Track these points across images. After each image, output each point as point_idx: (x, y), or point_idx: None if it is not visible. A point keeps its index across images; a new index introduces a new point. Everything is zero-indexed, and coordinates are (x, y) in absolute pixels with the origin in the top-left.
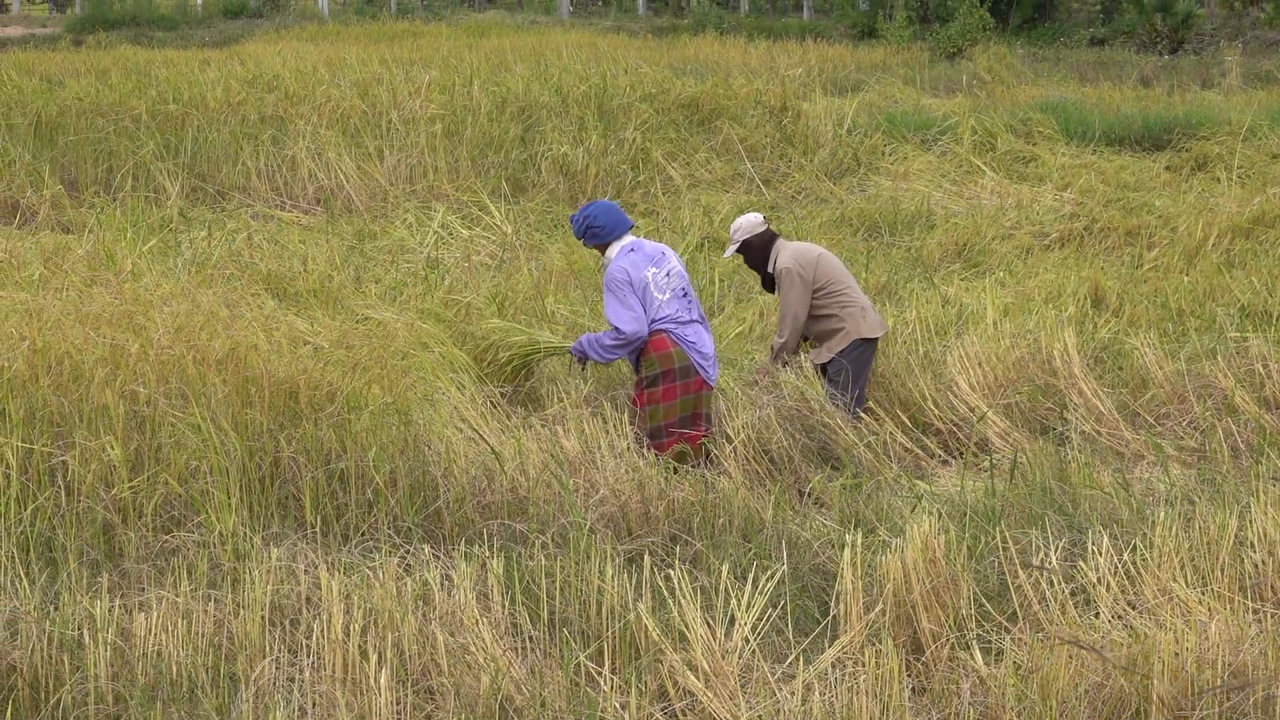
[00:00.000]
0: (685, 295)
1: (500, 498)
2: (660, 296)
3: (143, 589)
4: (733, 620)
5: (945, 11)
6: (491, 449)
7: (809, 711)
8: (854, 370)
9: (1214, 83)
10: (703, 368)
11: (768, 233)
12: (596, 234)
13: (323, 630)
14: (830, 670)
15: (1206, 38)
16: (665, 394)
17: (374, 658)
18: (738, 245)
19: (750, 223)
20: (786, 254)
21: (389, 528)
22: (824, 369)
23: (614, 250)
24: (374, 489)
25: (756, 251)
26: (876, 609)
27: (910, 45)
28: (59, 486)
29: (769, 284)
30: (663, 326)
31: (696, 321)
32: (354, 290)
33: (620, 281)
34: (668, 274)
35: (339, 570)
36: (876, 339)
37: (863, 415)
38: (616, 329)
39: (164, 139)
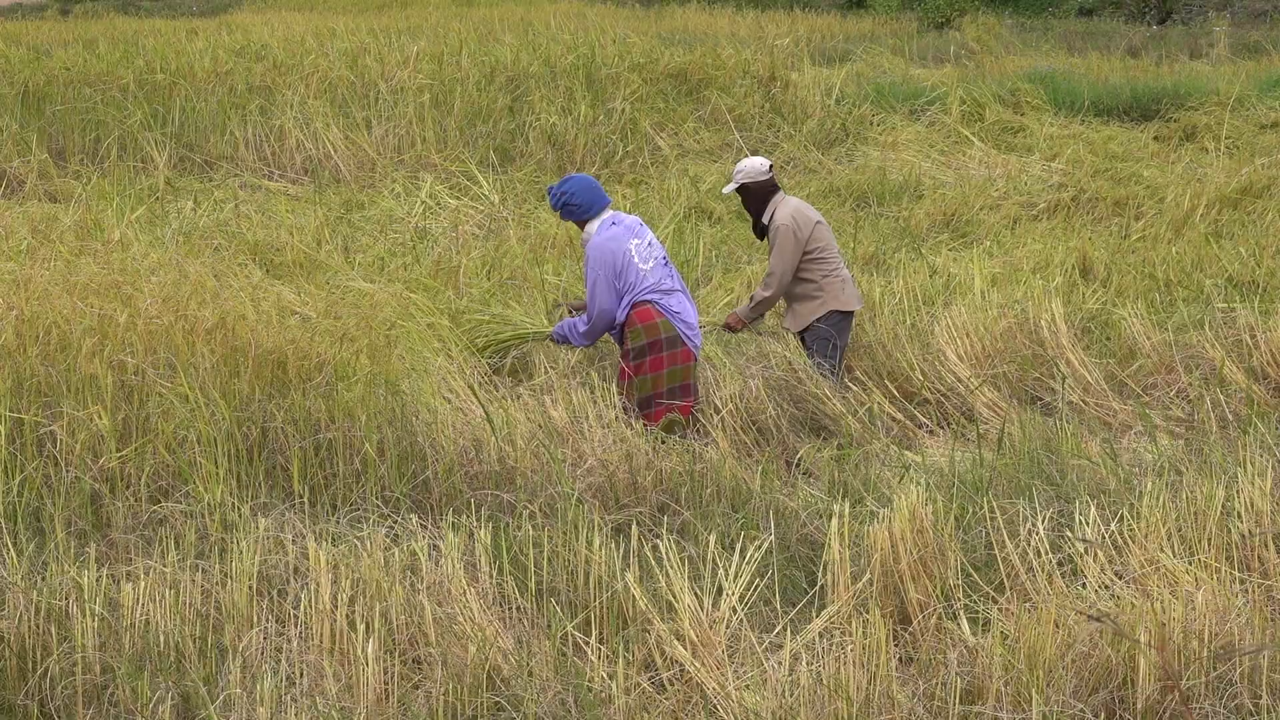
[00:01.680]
0: (666, 264)
1: (488, 468)
2: (644, 267)
3: (130, 559)
4: (720, 590)
5: None
6: (486, 414)
7: (796, 681)
8: (824, 340)
9: (1202, 53)
10: (688, 337)
11: (770, 182)
12: (573, 210)
13: (310, 600)
14: (817, 640)
15: (1195, 8)
16: (653, 364)
17: (361, 628)
18: (736, 185)
19: (755, 167)
20: (786, 209)
21: (377, 498)
22: (801, 338)
23: (593, 226)
24: (362, 459)
25: (755, 197)
26: (864, 579)
27: (899, 15)
28: (47, 456)
29: (759, 231)
30: (647, 297)
31: (679, 290)
32: (342, 260)
33: (601, 260)
34: (649, 244)
35: (326, 540)
36: (852, 313)
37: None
38: (590, 312)
39: (151, 109)
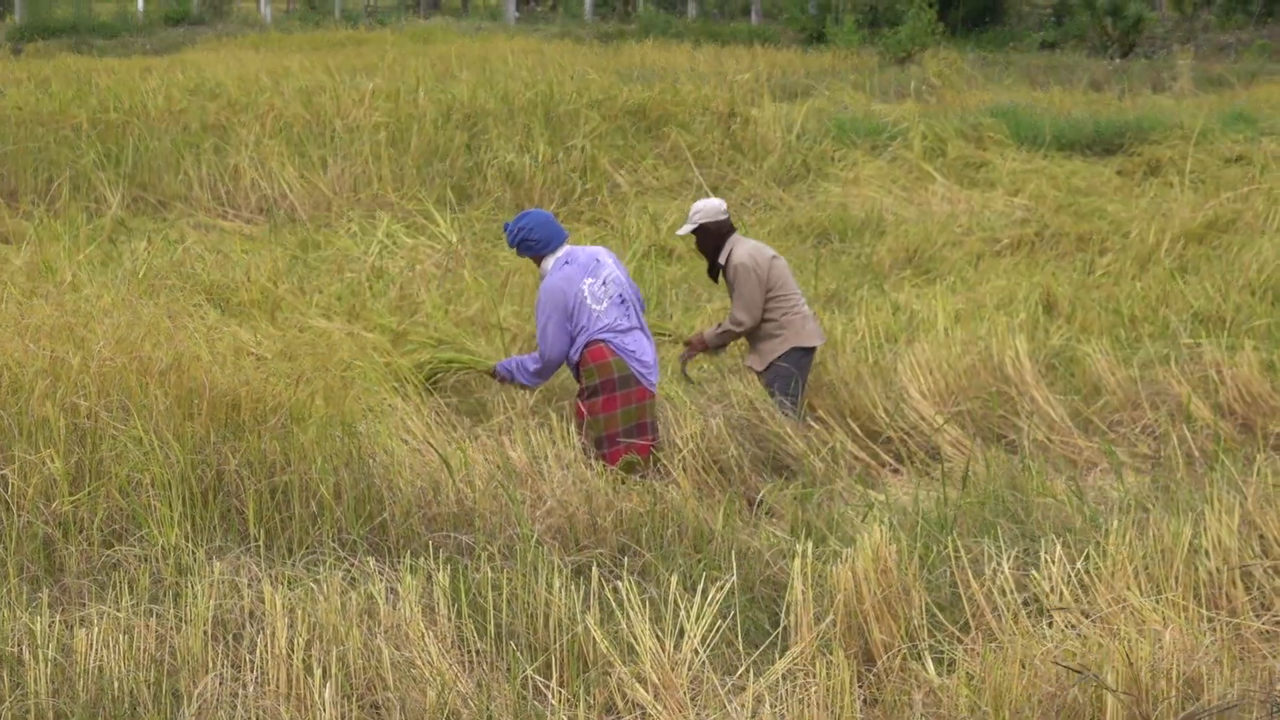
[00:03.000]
0: (623, 302)
1: (446, 509)
2: (597, 307)
3: (84, 604)
4: (682, 632)
5: (894, 15)
6: (442, 457)
7: None
8: (786, 379)
9: (1165, 86)
10: (643, 376)
11: (727, 223)
12: (531, 246)
13: (266, 645)
14: (781, 682)
15: (1158, 41)
16: (605, 404)
17: (318, 672)
18: (694, 225)
19: (712, 208)
20: (743, 250)
21: (333, 541)
22: (760, 376)
23: (549, 263)
24: (318, 501)
25: (711, 238)
26: (827, 620)
27: (859, 50)
28: None
29: (714, 273)
30: (600, 336)
31: (636, 328)
32: (297, 300)
33: (553, 302)
34: (604, 282)
35: (283, 584)
36: (814, 349)
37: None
38: (539, 353)
39: (105, 148)
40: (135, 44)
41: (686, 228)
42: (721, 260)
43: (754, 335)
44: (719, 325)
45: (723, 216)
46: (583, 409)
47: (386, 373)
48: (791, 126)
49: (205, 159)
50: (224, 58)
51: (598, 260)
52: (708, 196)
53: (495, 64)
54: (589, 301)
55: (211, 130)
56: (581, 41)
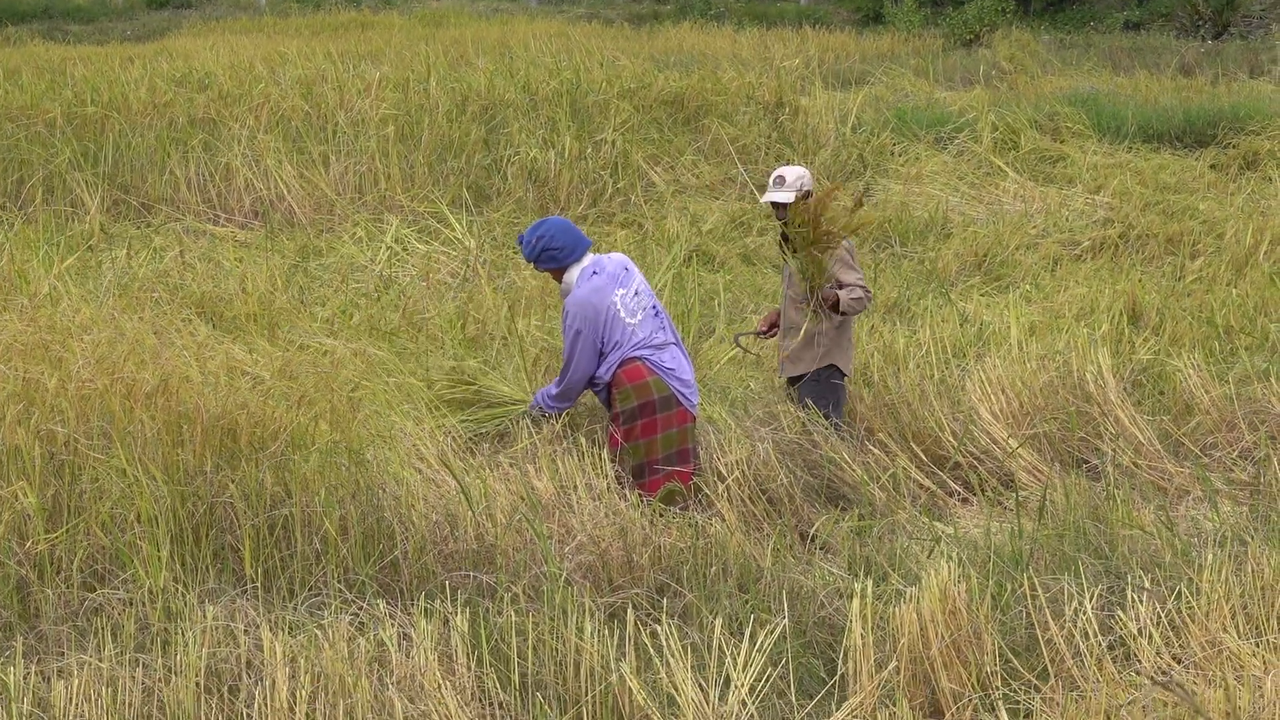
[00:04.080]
0: (657, 314)
1: (464, 546)
2: (631, 321)
3: (62, 653)
4: (728, 681)
5: None
6: (461, 488)
7: None
8: (838, 396)
9: (1264, 70)
10: (684, 396)
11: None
12: (554, 257)
13: (265, 698)
14: None
15: (1255, 20)
16: (645, 428)
17: None
18: (795, 193)
19: (810, 176)
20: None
21: (339, 581)
22: (798, 388)
23: (574, 274)
24: (322, 538)
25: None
26: (890, 667)
27: (921, 32)
28: None
29: (796, 243)
30: (636, 353)
31: (672, 343)
32: (298, 314)
33: (584, 317)
34: (636, 292)
35: (283, 630)
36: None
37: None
38: (562, 376)
39: (81, 145)
40: (114, 30)
41: (788, 194)
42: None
43: (819, 333)
44: (849, 288)
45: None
46: (619, 435)
47: (397, 394)
48: (846, 117)
49: (194, 157)
50: (214, 44)
51: (626, 269)
52: (754, 194)
53: (515, 49)
54: (623, 315)
55: (200, 125)
56: (611, 24)
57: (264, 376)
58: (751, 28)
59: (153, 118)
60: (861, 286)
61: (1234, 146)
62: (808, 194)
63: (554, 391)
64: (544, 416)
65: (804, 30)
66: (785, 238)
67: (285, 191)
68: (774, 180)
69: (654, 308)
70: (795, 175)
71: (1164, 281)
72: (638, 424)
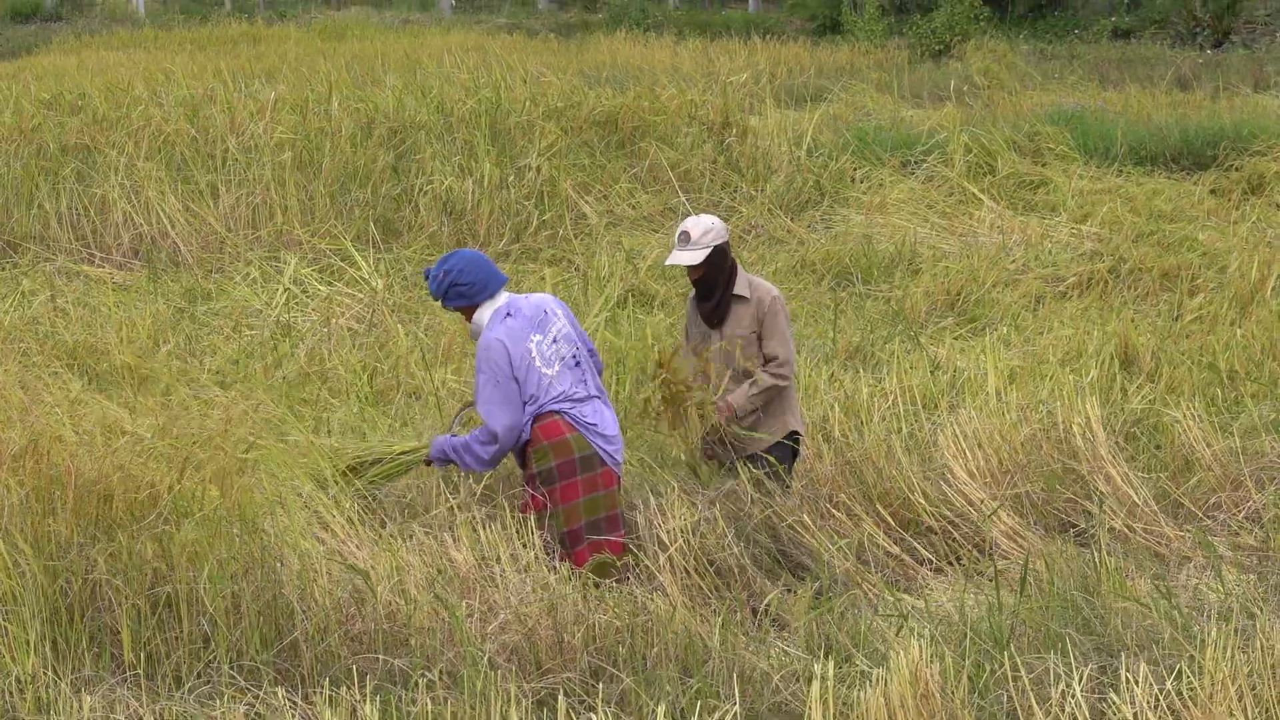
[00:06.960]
0: (578, 364)
1: (374, 626)
2: (548, 372)
3: None
4: None
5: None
6: (355, 567)
7: None
8: (793, 456)
9: (1270, 83)
10: (608, 454)
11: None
12: (462, 293)
13: None
14: None
15: (1259, 27)
16: (565, 492)
17: None
18: (707, 250)
19: (719, 225)
20: (762, 281)
21: (231, 667)
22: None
23: (485, 313)
24: (210, 619)
25: (725, 262)
26: None
27: (884, 43)
28: None
29: (719, 309)
30: (555, 407)
31: (595, 396)
32: (184, 365)
33: (495, 360)
34: (554, 340)
35: None
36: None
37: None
38: (488, 427)
39: None
40: None
41: (696, 254)
42: (741, 291)
43: (774, 398)
44: (751, 383)
45: (726, 238)
46: (536, 498)
47: (296, 455)
48: (801, 139)
49: (65, 188)
50: (87, 61)
51: (545, 312)
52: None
53: (427, 65)
54: (538, 364)
55: (73, 153)
56: (535, 35)
57: (145, 435)
58: (694, 38)
59: (18, 144)
60: (779, 367)
61: (1237, 169)
62: (722, 250)
63: (481, 451)
64: (457, 469)
65: (753, 41)
66: (714, 304)
67: (169, 227)
68: (679, 238)
69: (574, 358)
70: (702, 229)
71: (1159, 321)
72: (557, 487)
